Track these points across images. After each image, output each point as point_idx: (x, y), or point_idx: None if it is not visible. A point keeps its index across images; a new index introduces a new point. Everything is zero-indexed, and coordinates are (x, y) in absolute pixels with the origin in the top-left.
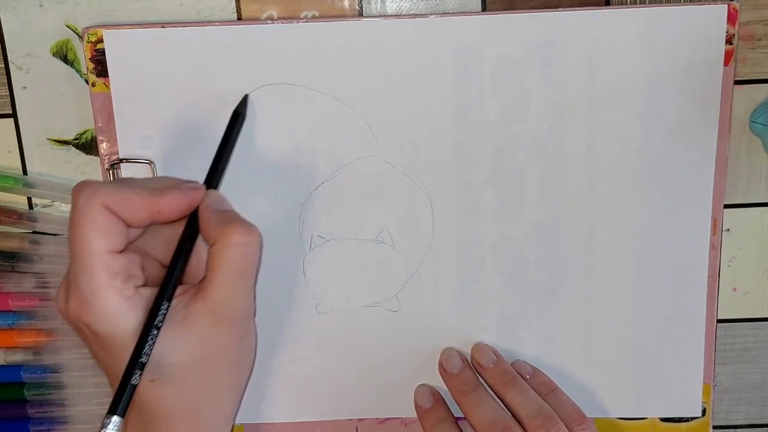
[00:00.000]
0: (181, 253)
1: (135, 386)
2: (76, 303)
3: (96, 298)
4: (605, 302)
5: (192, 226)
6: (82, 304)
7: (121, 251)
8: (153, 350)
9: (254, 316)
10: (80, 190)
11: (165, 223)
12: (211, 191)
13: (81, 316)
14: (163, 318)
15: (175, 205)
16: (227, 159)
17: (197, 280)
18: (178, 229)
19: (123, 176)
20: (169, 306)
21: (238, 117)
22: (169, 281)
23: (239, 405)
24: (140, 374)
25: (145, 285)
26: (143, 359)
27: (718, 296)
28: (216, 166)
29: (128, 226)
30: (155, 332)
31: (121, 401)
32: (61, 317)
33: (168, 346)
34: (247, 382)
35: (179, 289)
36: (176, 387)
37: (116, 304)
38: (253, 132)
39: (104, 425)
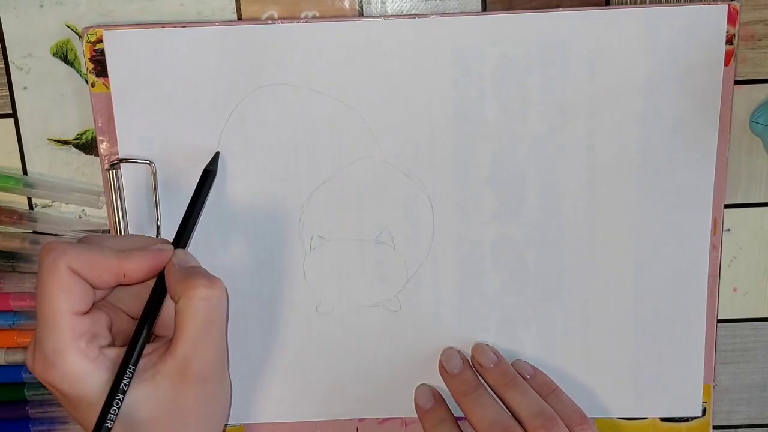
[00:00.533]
0: (148, 315)
1: None
2: (41, 363)
3: (60, 359)
4: (605, 302)
5: (160, 285)
6: (47, 365)
7: (87, 312)
8: (124, 404)
9: (227, 369)
10: (48, 251)
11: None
12: (178, 251)
13: (46, 377)
14: (129, 382)
15: (141, 267)
16: (197, 217)
17: (170, 332)
18: (149, 284)
19: (123, 177)
20: (135, 369)
21: (208, 175)
22: (136, 344)
23: None
24: (110, 430)
25: (111, 344)
26: (108, 425)
27: (718, 296)
28: (185, 224)
29: (93, 286)
30: (120, 397)
31: None
32: (33, 375)
33: (137, 402)
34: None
35: (149, 347)
36: None
37: (80, 366)
38: (253, 132)
39: None
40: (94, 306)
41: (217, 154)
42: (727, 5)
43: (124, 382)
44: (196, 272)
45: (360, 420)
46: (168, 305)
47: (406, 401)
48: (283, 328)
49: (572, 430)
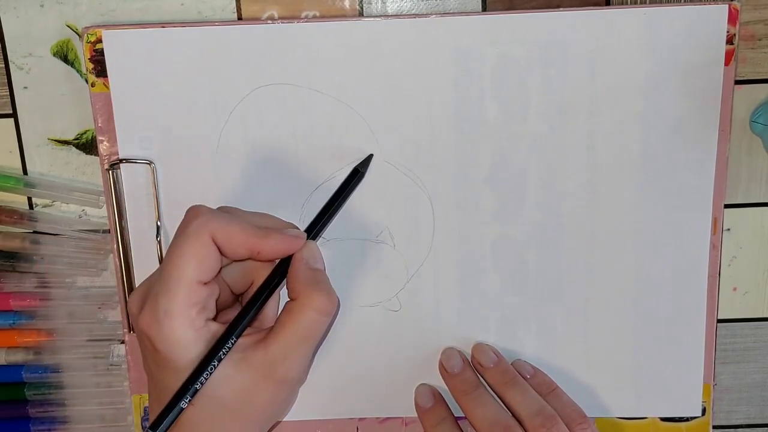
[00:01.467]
0: (260, 297)
1: (182, 409)
2: (148, 317)
3: (168, 321)
4: (605, 302)
5: (279, 272)
6: (154, 321)
7: (207, 283)
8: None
9: (305, 379)
10: (195, 215)
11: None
12: (310, 242)
13: (148, 331)
14: (226, 352)
15: (275, 249)
16: (334, 213)
17: (264, 325)
18: (258, 263)
19: (123, 177)
20: (235, 342)
21: (356, 175)
22: (242, 319)
23: None
24: (190, 399)
25: (215, 318)
26: (197, 386)
27: (718, 296)
28: (321, 217)
29: (225, 257)
30: (215, 364)
31: (166, 420)
32: (131, 318)
33: (215, 381)
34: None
35: (246, 331)
36: (206, 418)
37: (184, 332)
38: (253, 132)
39: None
40: (217, 273)
41: (370, 156)
42: (727, 5)
43: (222, 351)
44: (321, 280)
45: (360, 420)
46: (272, 299)
47: (406, 401)
48: None
49: (572, 430)
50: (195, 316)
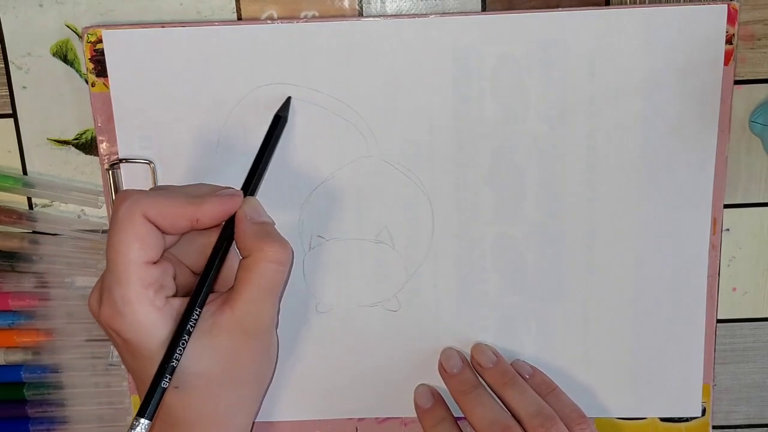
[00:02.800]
0: (214, 262)
1: (164, 389)
2: (108, 310)
3: (128, 308)
4: (605, 302)
5: (226, 234)
6: (115, 313)
7: (156, 262)
8: (181, 357)
9: (276, 326)
10: (122, 199)
11: (200, 231)
12: (249, 198)
13: (112, 324)
14: (194, 324)
15: (213, 212)
16: (266, 165)
17: (225, 288)
18: (211, 237)
19: (122, 177)
20: (200, 312)
21: (279, 121)
22: (202, 288)
23: (257, 413)
24: (170, 378)
25: (175, 295)
26: (173, 363)
27: (718, 296)
28: (254, 171)
29: (166, 234)
30: (186, 338)
31: (150, 404)
32: (94, 318)
33: (193, 356)
34: (266, 392)
35: (210, 297)
36: (199, 396)
37: (147, 315)
38: (253, 132)
39: (133, 426)
40: (162, 256)
41: (289, 99)
42: (726, 5)
43: (190, 323)
44: (269, 232)
45: (359, 420)
46: (229, 260)
47: (405, 401)
48: (283, 328)
49: (571, 430)
50: (153, 296)
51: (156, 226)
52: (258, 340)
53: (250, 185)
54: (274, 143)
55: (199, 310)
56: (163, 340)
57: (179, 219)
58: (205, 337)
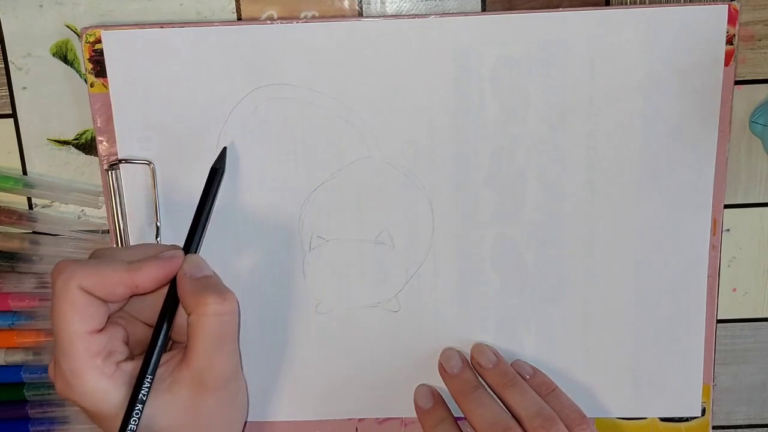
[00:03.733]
0: (162, 325)
1: None
2: (61, 382)
3: (77, 380)
4: (605, 302)
5: (172, 294)
6: (66, 385)
7: (102, 329)
8: (144, 415)
9: (241, 372)
10: (59, 271)
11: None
12: (189, 257)
13: (67, 395)
14: (147, 392)
15: (152, 277)
16: (207, 218)
17: (183, 339)
18: (164, 293)
19: (122, 177)
20: (153, 379)
21: (216, 173)
22: (152, 355)
23: None
24: None
25: (129, 357)
26: (131, 428)
27: (718, 296)
28: (195, 227)
29: (107, 302)
30: (139, 407)
31: None
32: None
33: (156, 413)
34: (244, 429)
35: (166, 356)
36: None
37: (97, 384)
38: (252, 132)
39: None
40: (109, 320)
41: (224, 150)
42: (727, 5)
43: (142, 392)
44: (207, 286)
45: (359, 420)
46: (183, 311)
47: (405, 401)
48: (283, 328)
49: (572, 430)
50: (102, 365)
51: (95, 296)
52: (221, 391)
53: (192, 243)
54: (213, 196)
55: (150, 377)
56: (117, 404)
57: (117, 287)
58: (165, 393)
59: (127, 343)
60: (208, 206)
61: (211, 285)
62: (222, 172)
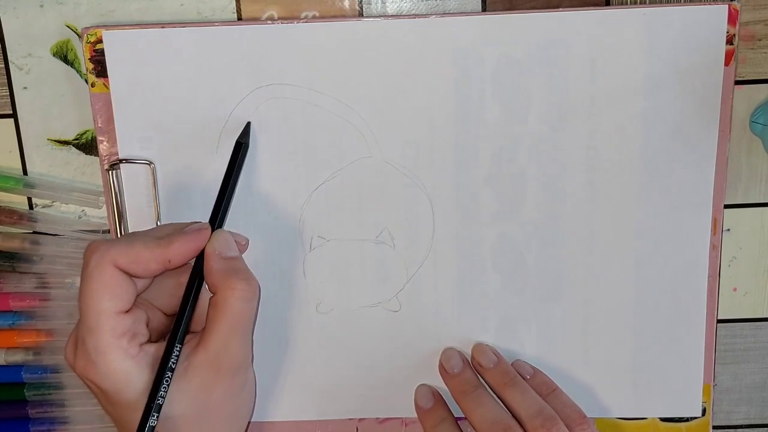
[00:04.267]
0: (188, 301)
1: (153, 428)
2: (83, 361)
3: (102, 358)
4: (605, 302)
5: (197, 272)
6: (89, 363)
7: (128, 311)
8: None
9: (252, 366)
10: (92, 250)
11: (169, 273)
12: (217, 232)
13: (88, 374)
14: (176, 362)
15: (183, 250)
16: (231, 194)
17: (198, 328)
18: (180, 278)
19: (122, 177)
20: (180, 349)
21: (240, 148)
22: (176, 336)
23: None
24: (157, 416)
25: (149, 341)
26: (159, 401)
27: (718, 296)
28: (220, 203)
29: (139, 278)
30: (169, 374)
31: None
32: (70, 369)
33: (171, 400)
34: (247, 427)
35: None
36: None
37: (121, 364)
38: (253, 132)
39: None
40: (134, 303)
41: (249, 125)
42: (727, 5)
43: (167, 375)
44: (235, 268)
45: (360, 420)
46: (201, 298)
47: (406, 401)
48: (283, 328)
49: (572, 430)
50: (127, 345)
51: (128, 273)
52: (232, 378)
53: (218, 217)
54: (237, 171)
55: (179, 346)
56: (140, 387)
57: (150, 262)
58: (181, 378)
59: (148, 327)
60: (233, 181)
61: (239, 268)
62: (246, 146)
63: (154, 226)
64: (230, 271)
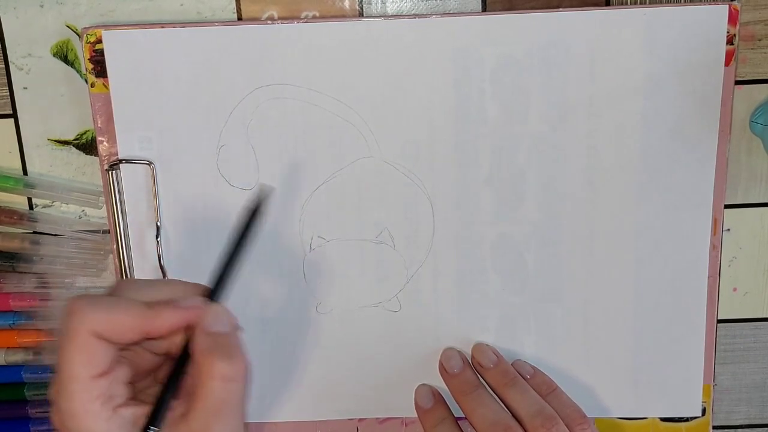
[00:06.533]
0: (170, 383)
1: None
2: (58, 419)
3: (74, 422)
4: (605, 302)
5: (187, 347)
6: (62, 423)
7: (104, 373)
8: None
9: None
10: (71, 312)
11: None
12: (213, 307)
13: (62, 430)
14: None
15: (168, 326)
16: (238, 264)
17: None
18: (170, 340)
19: (122, 177)
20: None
21: (254, 215)
22: (159, 409)
23: None
24: None
25: (127, 401)
26: None
27: (718, 296)
28: (223, 273)
29: (117, 344)
30: None
31: None
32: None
33: None
34: None
35: (172, 403)
36: None
37: (93, 426)
38: (253, 132)
39: None
40: (115, 359)
41: (267, 188)
42: (727, 5)
43: None
44: (222, 344)
45: (360, 420)
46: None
47: (406, 401)
48: (283, 328)
49: (572, 430)
50: (100, 409)
51: (105, 341)
52: None
53: (218, 291)
54: (248, 240)
55: (155, 430)
56: None
57: (129, 333)
58: None
59: (130, 383)
60: (241, 250)
61: (226, 344)
62: (260, 214)
63: (155, 229)
64: (213, 348)
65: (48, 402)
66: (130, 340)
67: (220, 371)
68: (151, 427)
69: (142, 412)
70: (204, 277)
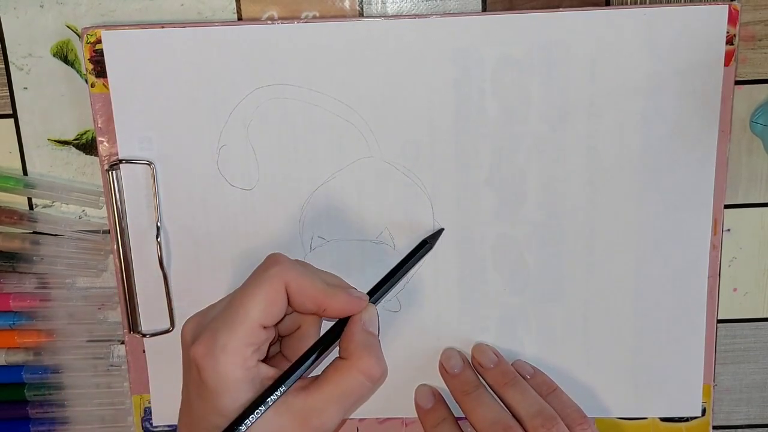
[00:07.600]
0: (313, 353)
1: None
2: (203, 347)
3: (223, 356)
4: (605, 302)
5: (336, 331)
6: (208, 353)
7: (267, 327)
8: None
9: None
10: (275, 261)
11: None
12: (370, 305)
13: (201, 361)
14: (274, 401)
15: (340, 308)
16: (398, 280)
17: (308, 373)
18: (313, 318)
19: (122, 177)
20: (284, 392)
21: (424, 245)
22: (293, 373)
23: None
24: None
25: (265, 359)
26: (242, 428)
27: (718, 296)
28: (385, 283)
29: (291, 307)
30: (262, 409)
31: None
32: (182, 345)
33: (255, 426)
34: None
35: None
36: None
37: (235, 370)
38: (253, 132)
39: None
40: (279, 319)
41: (441, 231)
42: (727, 5)
43: (272, 397)
44: (374, 344)
45: (360, 420)
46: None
47: (406, 401)
48: None
49: (572, 430)
50: (249, 356)
51: (289, 298)
52: None
53: (377, 294)
54: (412, 263)
55: (284, 388)
56: (234, 398)
57: (311, 301)
58: (271, 410)
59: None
60: (404, 271)
61: (377, 346)
62: (430, 247)
63: (155, 229)
64: (368, 345)
65: (48, 403)
66: (305, 308)
67: (367, 367)
68: (281, 388)
69: (272, 374)
70: (204, 277)
